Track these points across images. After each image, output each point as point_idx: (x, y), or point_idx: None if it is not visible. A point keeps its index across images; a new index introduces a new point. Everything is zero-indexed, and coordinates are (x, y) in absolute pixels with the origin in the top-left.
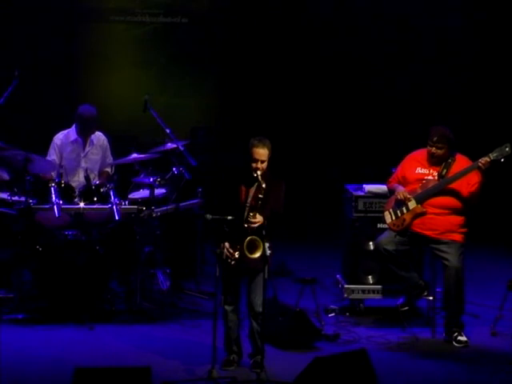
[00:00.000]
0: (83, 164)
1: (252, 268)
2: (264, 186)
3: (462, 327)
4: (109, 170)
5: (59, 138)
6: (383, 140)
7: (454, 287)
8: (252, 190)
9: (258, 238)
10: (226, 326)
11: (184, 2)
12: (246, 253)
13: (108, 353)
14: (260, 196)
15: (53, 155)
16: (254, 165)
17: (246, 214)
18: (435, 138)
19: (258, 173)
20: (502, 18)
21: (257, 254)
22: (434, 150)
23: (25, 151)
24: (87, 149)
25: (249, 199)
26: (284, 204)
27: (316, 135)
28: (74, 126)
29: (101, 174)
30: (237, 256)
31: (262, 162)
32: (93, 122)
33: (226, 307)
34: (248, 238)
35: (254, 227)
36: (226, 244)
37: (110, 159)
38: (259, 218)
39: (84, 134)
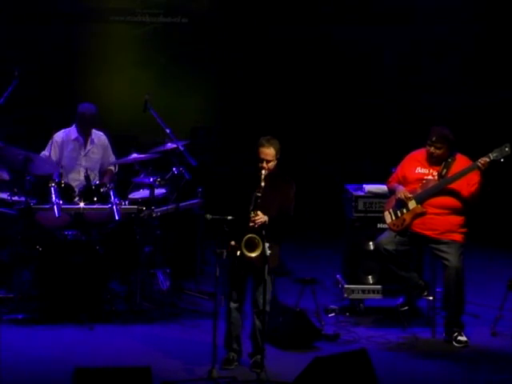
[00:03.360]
0: (83, 163)
1: (258, 266)
2: (262, 184)
3: (462, 327)
4: (112, 168)
5: (59, 135)
6: (383, 140)
7: (454, 287)
8: None
9: (257, 237)
10: (228, 322)
11: (184, 1)
12: (244, 251)
13: (108, 353)
14: (258, 194)
15: (49, 152)
16: (260, 164)
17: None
18: (434, 138)
19: (263, 172)
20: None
21: (255, 253)
22: (432, 149)
23: (25, 151)
24: (88, 147)
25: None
26: (293, 206)
27: (316, 135)
28: (74, 125)
29: (105, 172)
30: (238, 254)
31: (268, 161)
32: (93, 119)
33: (231, 304)
34: (246, 236)
35: (256, 224)
36: (232, 242)
37: (112, 158)
38: (261, 216)
39: (84, 132)
